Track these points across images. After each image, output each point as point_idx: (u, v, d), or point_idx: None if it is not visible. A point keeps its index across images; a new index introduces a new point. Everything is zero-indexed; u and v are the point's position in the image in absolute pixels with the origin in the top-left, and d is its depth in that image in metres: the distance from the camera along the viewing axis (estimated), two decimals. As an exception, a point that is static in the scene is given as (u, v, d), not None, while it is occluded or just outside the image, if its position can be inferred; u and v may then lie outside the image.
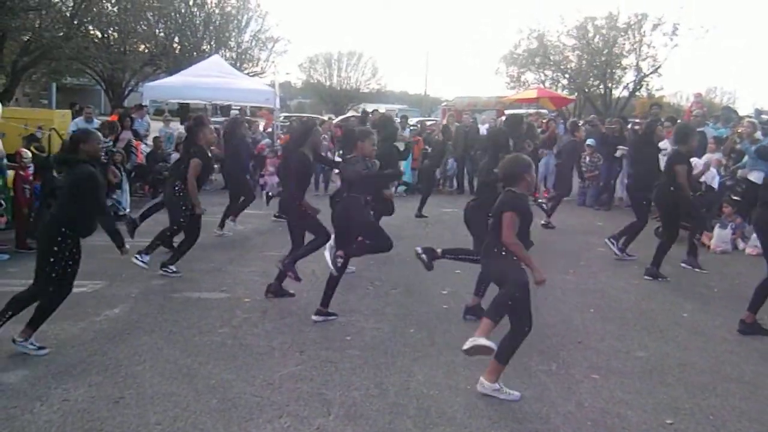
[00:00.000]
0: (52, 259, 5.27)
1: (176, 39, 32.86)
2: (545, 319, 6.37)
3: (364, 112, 20.07)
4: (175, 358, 5.40)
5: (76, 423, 4.28)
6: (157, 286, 7.40)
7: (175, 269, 7.91)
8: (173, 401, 4.62)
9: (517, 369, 5.19)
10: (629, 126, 15.38)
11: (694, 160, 10.65)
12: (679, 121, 13.28)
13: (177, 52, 32.03)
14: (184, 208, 7.88)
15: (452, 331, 6.20)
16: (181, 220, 7.91)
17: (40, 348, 5.38)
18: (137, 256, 7.62)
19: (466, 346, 4.75)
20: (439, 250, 6.55)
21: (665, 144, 12.46)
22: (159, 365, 5.24)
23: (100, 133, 5.89)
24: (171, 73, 21.87)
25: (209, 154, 8.31)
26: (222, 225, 10.56)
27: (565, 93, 35.89)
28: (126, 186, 11.66)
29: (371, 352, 5.64)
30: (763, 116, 14.32)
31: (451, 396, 4.83)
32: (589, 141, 14.22)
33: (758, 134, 11.07)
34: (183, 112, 20.47)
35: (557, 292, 7.46)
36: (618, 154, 13.28)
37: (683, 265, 8.87)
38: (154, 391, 4.76)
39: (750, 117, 13.31)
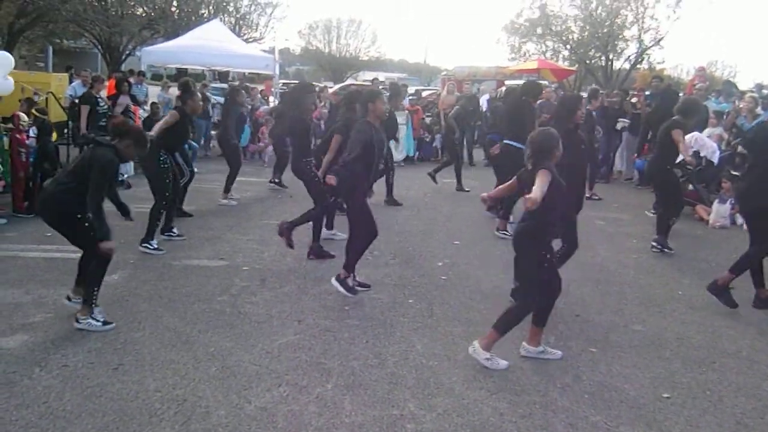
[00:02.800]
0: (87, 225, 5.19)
1: (174, 3, 32.46)
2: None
3: (376, 80, 19.86)
4: (174, 325, 5.40)
5: (76, 389, 4.28)
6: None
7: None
8: (172, 368, 4.62)
9: (515, 341, 5.20)
10: (629, 99, 15.29)
11: (694, 135, 10.62)
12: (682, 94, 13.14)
13: (175, 16, 31.66)
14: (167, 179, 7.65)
15: (451, 303, 6.22)
16: (167, 193, 7.64)
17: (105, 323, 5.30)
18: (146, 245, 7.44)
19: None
20: None
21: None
22: (158, 332, 5.25)
23: None
24: (169, 38, 21.63)
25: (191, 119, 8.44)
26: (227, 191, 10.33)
27: (566, 64, 35.70)
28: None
29: (370, 322, 5.65)
30: (764, 91, 14.25)
31: (449, 367, 4.84)
32: (590, 113, 14.13)
33: (759, 109, 11.04)
34: (181, 77, 20.30)
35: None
36: (619, 126, 13.19)
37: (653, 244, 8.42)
38: (153, 358, 4.77)
39: (752, 92, 13.24)
